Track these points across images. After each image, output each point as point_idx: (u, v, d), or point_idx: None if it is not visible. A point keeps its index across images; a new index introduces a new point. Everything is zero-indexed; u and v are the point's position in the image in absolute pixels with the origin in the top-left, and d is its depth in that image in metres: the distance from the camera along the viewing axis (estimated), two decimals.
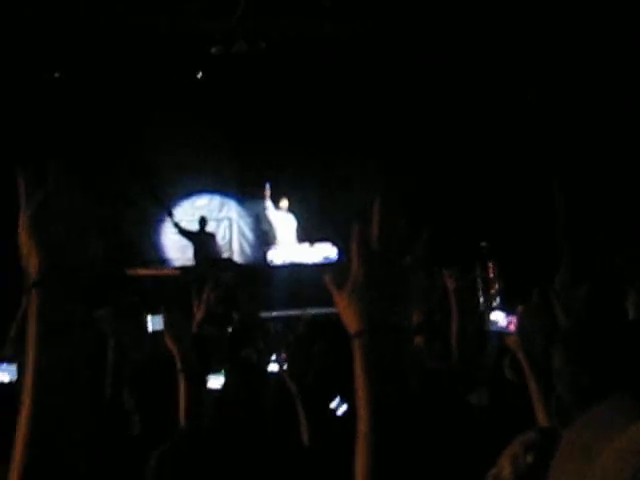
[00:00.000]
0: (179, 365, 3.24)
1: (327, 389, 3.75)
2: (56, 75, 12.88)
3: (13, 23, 11.56)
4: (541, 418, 2.83)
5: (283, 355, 3.98)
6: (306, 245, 12.51)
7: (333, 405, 3.80)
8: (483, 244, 10.56)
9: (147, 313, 3.94)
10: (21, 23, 11.63)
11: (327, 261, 12.24)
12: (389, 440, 1.57)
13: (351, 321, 1.66)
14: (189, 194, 13.82)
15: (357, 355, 1.63)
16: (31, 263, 1.60)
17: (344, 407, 3.75)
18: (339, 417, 3.66)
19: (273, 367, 4.49)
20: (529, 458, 2.60)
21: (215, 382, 3.95)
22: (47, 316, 1.55)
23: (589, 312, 4.06)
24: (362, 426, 1.58)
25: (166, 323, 3.39)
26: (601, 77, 12.70)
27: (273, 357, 4.59)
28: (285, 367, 3.62)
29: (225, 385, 3.96)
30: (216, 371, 4.05)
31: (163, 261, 13.18)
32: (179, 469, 1.90)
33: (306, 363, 3.57)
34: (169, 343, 3.29)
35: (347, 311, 1.67)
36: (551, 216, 12.67)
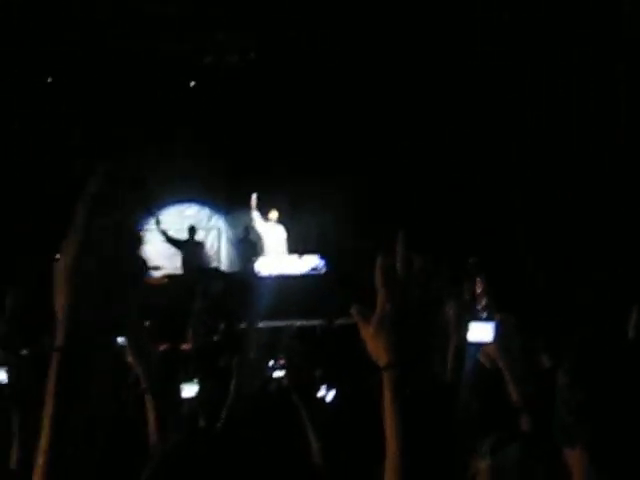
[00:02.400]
0: (144, 382, 3.13)
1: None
2: (49, 80, 12.93)
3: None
4: (524, 424, 2.86)
5: (281, 361, 4.01)
6: (295, 256, 12.51)
7: (321, 394, 3.84)
8: (471, 260, 10.57)
9: None
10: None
11: (313, 272, 12.24)
12: (417, 463, 1.60)
13: (379, 354, 1.67)
14: (177, 202, 13.82)
15: (386, 387, 1.64)
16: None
17: (332, 393, 3.80)
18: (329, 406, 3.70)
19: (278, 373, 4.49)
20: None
21: (188, 391, 3.93)
22: None
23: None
24: (391, 450, 1.61)
25: (129, 339, 3.26)
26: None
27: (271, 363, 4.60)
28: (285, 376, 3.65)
29: (199, 394, 3.95)
30: (189, 380, 4.03)
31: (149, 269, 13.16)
32: None
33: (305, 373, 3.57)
34: (131, 359, 3.17)
35: (374, 343, 1.68)
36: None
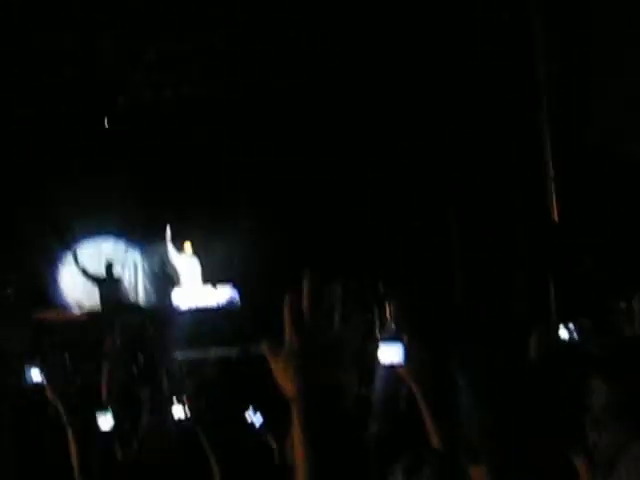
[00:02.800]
0: (64, 418, 3.16)
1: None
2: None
3: None
4: (435, 442, 2.89)
5: (186, 399, 3.96)
6: (209, 287, 12.57)
7: (249, 416, 3.81)
8: (380, 287, 10.69)
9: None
10: None
11: (230, 305, 12.35)
12: None
13: (287, 385, 1.73)
14: (93, 236, 13.66)
15: (294, 417, 1.69)
16: None
17: (259, 418, 3.79)
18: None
19: (178, 411, 4.37)
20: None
21: (104, 423, 3.88)
22: None
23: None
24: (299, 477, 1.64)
25: (47, 375, 3.31)
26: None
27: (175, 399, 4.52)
28: (189, 412, 3.61)
29: (115, 426, 3.91)
30: (104, 409, 3.99)
31: (67, 305, 13.02)
32: None
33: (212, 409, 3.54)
34: (50, 395, 3.22)
35: (283, 376, 1.74)
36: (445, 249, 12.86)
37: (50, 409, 3.43)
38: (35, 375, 3.69)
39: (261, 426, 3.93)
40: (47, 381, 3.31)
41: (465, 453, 2.16)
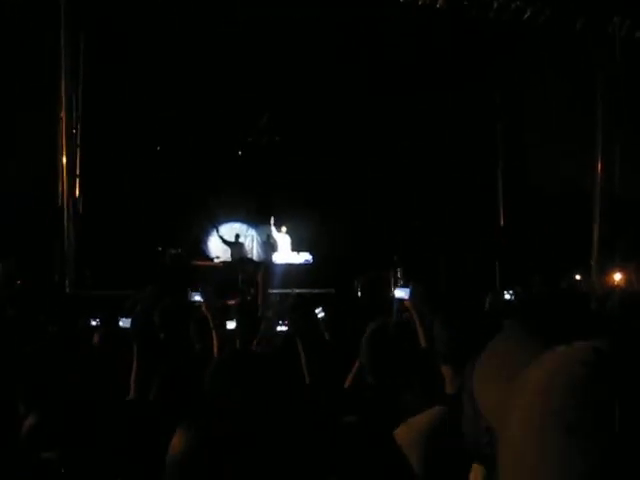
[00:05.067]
0: (211, 322, 3.21)
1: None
2: (158, 148, 12.88)
3: None
4: (422, 343, 2.89)
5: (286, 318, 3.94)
6: (295, 253, 12.71)
7: (318, 312, 3.80)
8: (395, 257, 10.63)
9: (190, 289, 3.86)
10: None
11: (306, 263, 12.48)
12: None
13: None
14: (230, 221, 13.84)
15: None
16: None
17: (322, 314, 3.78)
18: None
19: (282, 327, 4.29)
20: None
21: (230, 325, 3.92)
22: None
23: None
24: None
25: (203, 296, 3.36)
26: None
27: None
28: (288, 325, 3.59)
29: (236, 327, 3.94)
30: (232, 319, 4.04)
31: (212, 258, 13.22)
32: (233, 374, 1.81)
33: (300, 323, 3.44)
34: (204, 309, 3.28)
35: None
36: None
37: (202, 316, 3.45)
38: (196, 297, 3.73)
39: (322, 319, 3.90)
40: (203, 300, 3.37)
41: (439, 357, 2.14)
